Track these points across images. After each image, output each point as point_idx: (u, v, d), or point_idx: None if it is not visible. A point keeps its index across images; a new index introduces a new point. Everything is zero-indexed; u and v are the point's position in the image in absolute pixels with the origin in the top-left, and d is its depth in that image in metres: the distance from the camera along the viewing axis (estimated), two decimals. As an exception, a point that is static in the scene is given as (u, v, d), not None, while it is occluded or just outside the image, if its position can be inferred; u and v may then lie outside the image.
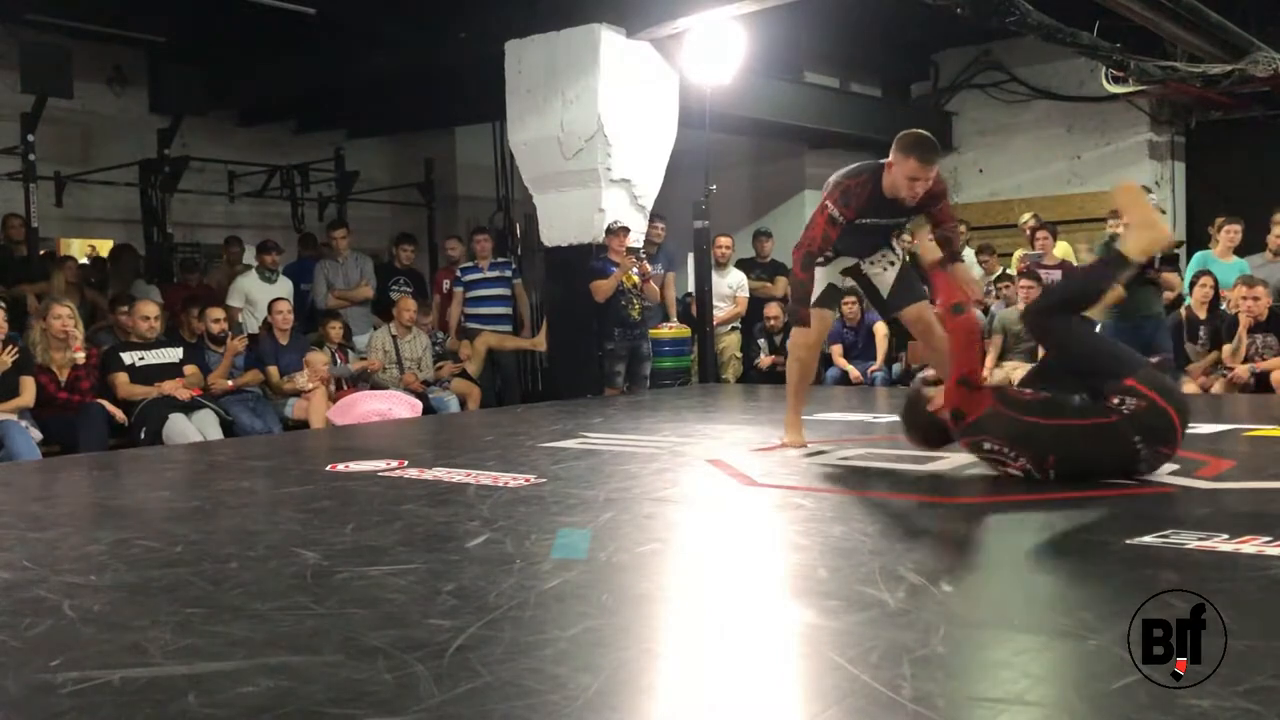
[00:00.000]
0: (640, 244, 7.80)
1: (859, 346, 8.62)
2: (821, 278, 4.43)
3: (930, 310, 4.45)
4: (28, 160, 7.77)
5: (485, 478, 3.74)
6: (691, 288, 8.83)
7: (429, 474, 3.88)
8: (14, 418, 5.75)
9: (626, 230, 7.50)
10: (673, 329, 8.32)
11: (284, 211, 10.92)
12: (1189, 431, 4.46)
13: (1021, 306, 7.91)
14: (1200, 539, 2.52)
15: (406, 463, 4.15)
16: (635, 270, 7.47)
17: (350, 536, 2.88)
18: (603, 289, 7.39)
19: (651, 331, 7.93)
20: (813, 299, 4.40)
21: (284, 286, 8.10)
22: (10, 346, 5.88)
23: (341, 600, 2.23)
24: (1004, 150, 11.60)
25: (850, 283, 4.66)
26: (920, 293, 4.54)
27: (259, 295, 7.95)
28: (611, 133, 7.38)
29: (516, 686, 1.68)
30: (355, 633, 1.98)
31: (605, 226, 7.48)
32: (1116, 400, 3.22)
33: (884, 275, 4.49)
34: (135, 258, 9.12)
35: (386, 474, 3.94)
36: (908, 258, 4.66)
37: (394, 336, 7.60)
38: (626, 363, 7.59)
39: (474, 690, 1.67)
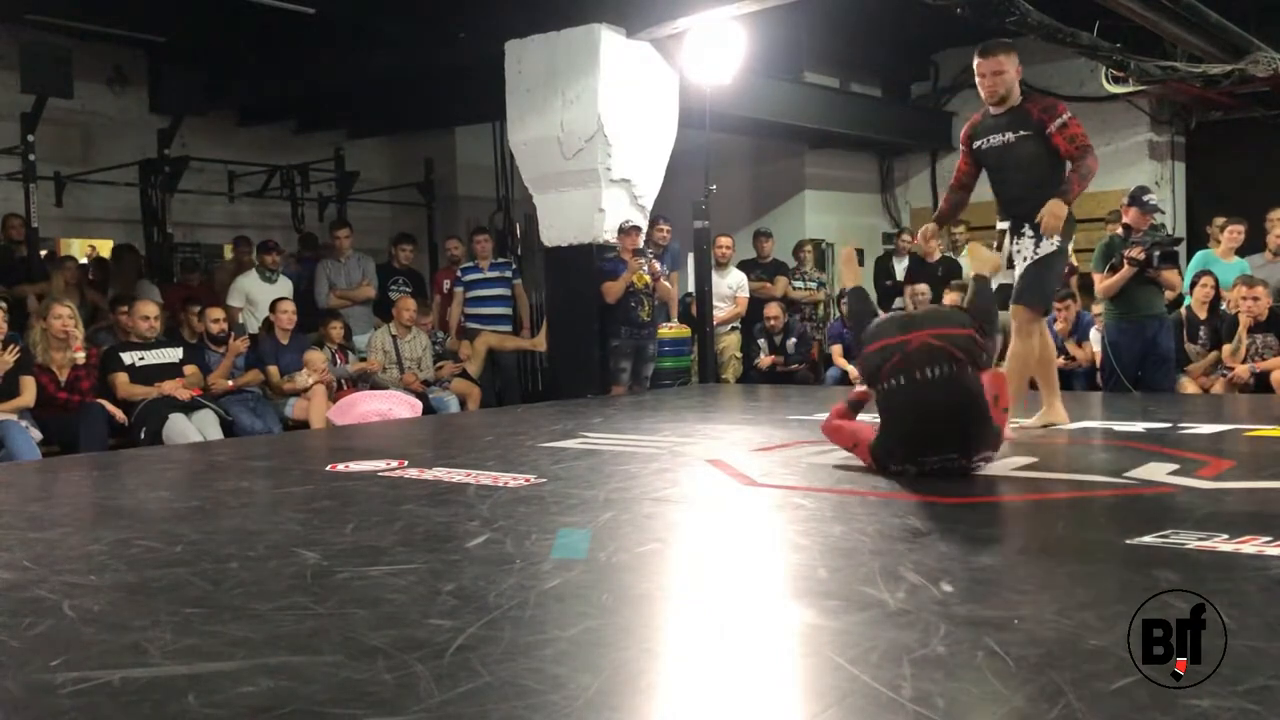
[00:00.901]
0: (641, 244, 7.80)
1: (859, 346, 8.61)
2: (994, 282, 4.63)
3: (1039, 324, 4.59)
4: (28, 160, 7.78)
5: (485, 478, 3.73)
6: (691, 288, 8.84)
7: (429, 474, 3.88)
8: (14, 418, 5.75)
9: (638, 229, 7.50)
10: (673, 329, 8.33)
11: (284, 211, 10.92)
12: (1190, 430, 4.48)
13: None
14: (1200, 539, 2.52)
15: (406, 463, 4.15)
16: (646, 270, 7.46)
17: (350, 536, 2.88)
18: (613, 290, 7.39)
19: (652, 331, 7.93)
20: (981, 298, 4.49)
21: (284, 286, 8.10)
22: (12, 346, 5.88)
23: (341, 600, 2.23)
24: (1004, 150, 11.58)
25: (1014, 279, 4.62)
26: (1043, 300, 4.57)
27: (259, 295, 7.95)
28: (611, 133, 7.38)
29: (516, 686, 1.68)
30: (355, 633, 1.98)
31: (618, 226, 7.48)
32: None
33: (1019, 265, 4.50)
34: (137, 257, 9.13)
35: (386, 474, 3.94)
36: (1053, 250, 4.49)
37: (394, 336, 7.60)
38: (632, 361, 7.58)
39: (474, 690, 1.67)
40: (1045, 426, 4.68)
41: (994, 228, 4.86)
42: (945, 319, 3.59)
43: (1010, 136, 4.43)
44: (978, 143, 4.56)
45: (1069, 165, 4.40)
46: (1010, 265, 4.62)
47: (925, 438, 3.46)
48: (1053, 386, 4.75)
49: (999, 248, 4.73)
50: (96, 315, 7.79)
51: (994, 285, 4.73)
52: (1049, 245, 4.43)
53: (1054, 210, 4.35)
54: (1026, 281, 4.52)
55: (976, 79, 4.43)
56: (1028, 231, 4.47)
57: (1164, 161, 10.73)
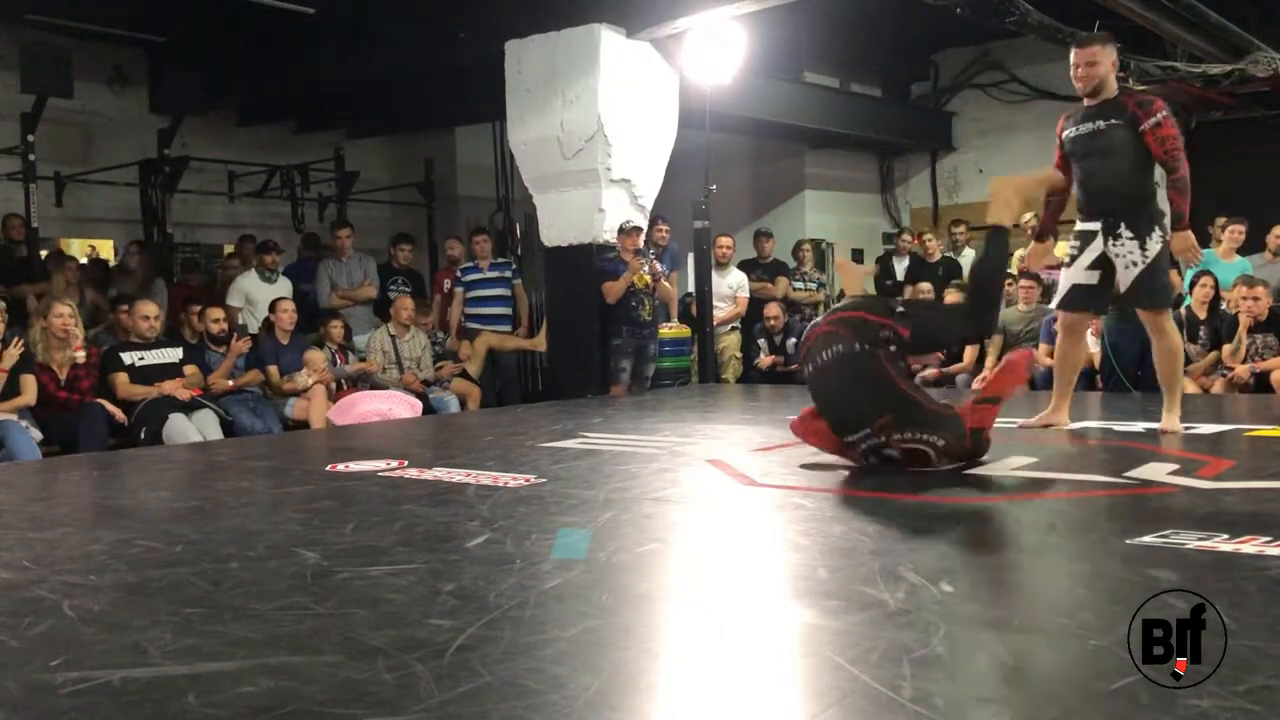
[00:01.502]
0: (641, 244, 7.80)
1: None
2: (1067, 279, 4.57)
3: (1167, 320, 4.50)
4: (28, 160, 7.78)
5: (485, 478, 3.73)
6: (691, 288, 8.84)
7: (429, 474, 3.88)
8: (14, 417, 5.75)
9: (639, 229, 7.50)
10: (673, 329, 8.33)
11: (284, 211, 10.92)
12: (1190, 430, 4.48)
13: (1022, 307, 7.92)
14: (1200, 539, 2.52)
15: (406, 463, 4.15)
16: (646, 270, 7.46)
17: (350, 536, 2.88)
18: (614, 290, 7.38)
19: (651, 331, 7.93)
20: (1055, 301, 4.60)
21: (284, 286, 8.10)
22: (17, 340, 5.89)
23: (341, 600, 2.23)
24: (1004, 150, 11.60)
25: (1094, 280, 4.49)
26: (1165, 300, 4.47)
27: (259, 295, 7.96)
28: (611, 133, 7.38)
29: (516, 686, 1.68)
30: (355, 633, 1.98)
31: (618, 226, 7.48)
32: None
33: (1127, 271, 4.37)
34: (151, 255, 9.12)
35: (386, 474, 3.94)
36: (1160, 247, 4.38)
37: (393, 337, 7.60)
38: (632, 361, 7.58)
39: (474, 690, 1.67)
40: (1045, 426, 4.70)
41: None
42: (845, 305, 3.74)
43: (1101, 124, 4.37)
44: (1067, 132, 4.51)
45: (1159, 170, 4.36)
46: (1096, 265, 4.46)
47: (835, 419, 3.71)
48: (1067, 391, 4.76)
49: (1081, 249, 4.53)
50: (97, 315, 7.79)
51: (1067, 285, 4.61)
52: (1155, 245, 4.34)
53: (1185, 244, 4.34)
54: (1147, 286, 4.39)
55: (1071, 70, 4.41)
56: (1125, 233, 4.36)
57: (1164, 161, 10.71)
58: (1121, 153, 4.34)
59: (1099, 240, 4.44)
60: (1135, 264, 4.35)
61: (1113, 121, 4.34)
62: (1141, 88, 9.36)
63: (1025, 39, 8.92)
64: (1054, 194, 4.74)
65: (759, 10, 7.31)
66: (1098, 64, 4.35)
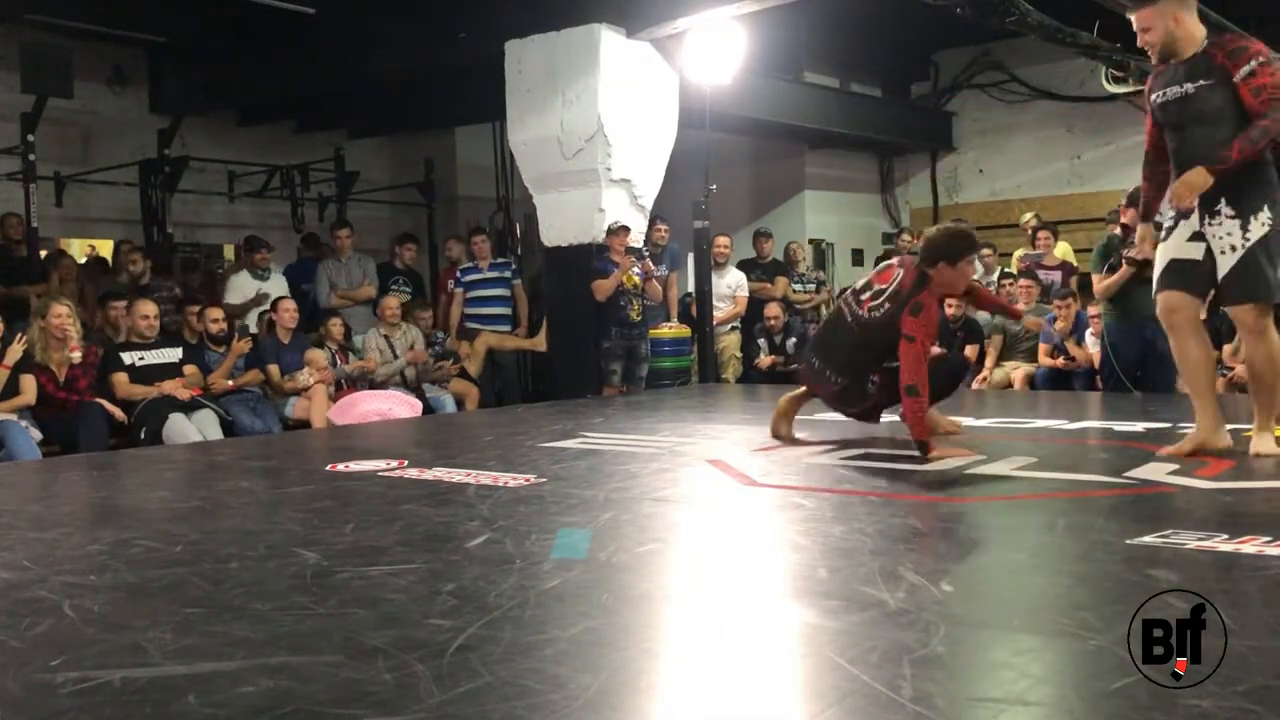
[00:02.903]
0: (640, 244, 7.80)
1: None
2: (1163, 255, 3.89)
3: (1267, 319, 3.77)
4: (28, 160, 7.77)
5: (485, 478, 3.73)
6: (691, 288, 8.85)
7: (429, 474, 3.88)
8: (14, 418, 5.75)
9: (627, 230, 7.50)
10: (673, 329, 8.33)
11: (284, 211, 10.92)
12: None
13: (1022, 307, 7.92)
14: (1200, 539, 2.52)
15: (406, 463, 4.15)
16: (636, 270, 7.47)
17: (350, 536, 2.88)
18: (603, 288, 7.40)
19: (651, 331, 7.94)
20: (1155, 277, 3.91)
21: (278, 284, 8.09)
22: (20, 337, 5.89)
23: (341, 600, 2.23)
24: (1004, 150, 11.61)
25: (1198, 254, 3.78)
26: (1266, 292, 3.71)
27: (253, 293, 7.95)
28: (611, 133, 7.38)
29: (516, 686, 1.68)
30: (355, 633, 1.98)
31: (606, 226, 7.48)
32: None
33: (1223, 257, 3.71)
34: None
35: (386, 474, 3.94)
36: (1266, 230, 3.66)
37: (385, 336, 7.62)
38: (623, 362, 7.59)
39: (474, 690, 1.67)
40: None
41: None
42: None
43: (1190, 87, 3.70)
44: (1154, 96, 3.86)
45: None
46: (1197, 238, 3.80)
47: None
48: (1211, 400, 4.01)
49: (1176, 220, 3.86)
50: (91, 314, 7.78)
51: (1163, 262, 3.90)
52: (1259, 227, 3.65)
53: (1188, 179, 3.61)
54: (1246, 276, 3.69)
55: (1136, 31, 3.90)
56: (1224, 209, 3.67)
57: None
58: (1219, 117, 3.67)
59: (1195, 216, 3.79)
60: (1234, 248, 3.69)
61: (1202, 82, 3.69)
62: (1142, 87, 9.36)
63: (1025, 39, 8.92)
64: (1156, 162, 4.02)
65: (759, 10, 7.31)
66: (1151, 27, 3.79)
